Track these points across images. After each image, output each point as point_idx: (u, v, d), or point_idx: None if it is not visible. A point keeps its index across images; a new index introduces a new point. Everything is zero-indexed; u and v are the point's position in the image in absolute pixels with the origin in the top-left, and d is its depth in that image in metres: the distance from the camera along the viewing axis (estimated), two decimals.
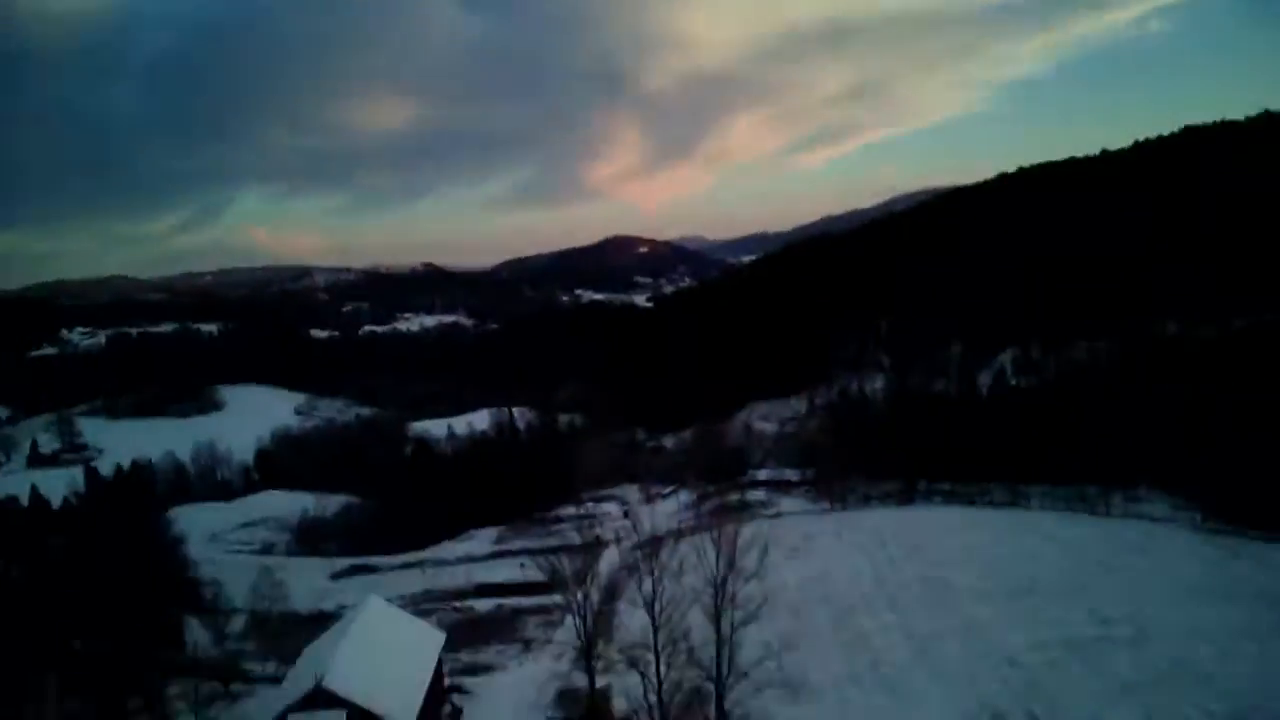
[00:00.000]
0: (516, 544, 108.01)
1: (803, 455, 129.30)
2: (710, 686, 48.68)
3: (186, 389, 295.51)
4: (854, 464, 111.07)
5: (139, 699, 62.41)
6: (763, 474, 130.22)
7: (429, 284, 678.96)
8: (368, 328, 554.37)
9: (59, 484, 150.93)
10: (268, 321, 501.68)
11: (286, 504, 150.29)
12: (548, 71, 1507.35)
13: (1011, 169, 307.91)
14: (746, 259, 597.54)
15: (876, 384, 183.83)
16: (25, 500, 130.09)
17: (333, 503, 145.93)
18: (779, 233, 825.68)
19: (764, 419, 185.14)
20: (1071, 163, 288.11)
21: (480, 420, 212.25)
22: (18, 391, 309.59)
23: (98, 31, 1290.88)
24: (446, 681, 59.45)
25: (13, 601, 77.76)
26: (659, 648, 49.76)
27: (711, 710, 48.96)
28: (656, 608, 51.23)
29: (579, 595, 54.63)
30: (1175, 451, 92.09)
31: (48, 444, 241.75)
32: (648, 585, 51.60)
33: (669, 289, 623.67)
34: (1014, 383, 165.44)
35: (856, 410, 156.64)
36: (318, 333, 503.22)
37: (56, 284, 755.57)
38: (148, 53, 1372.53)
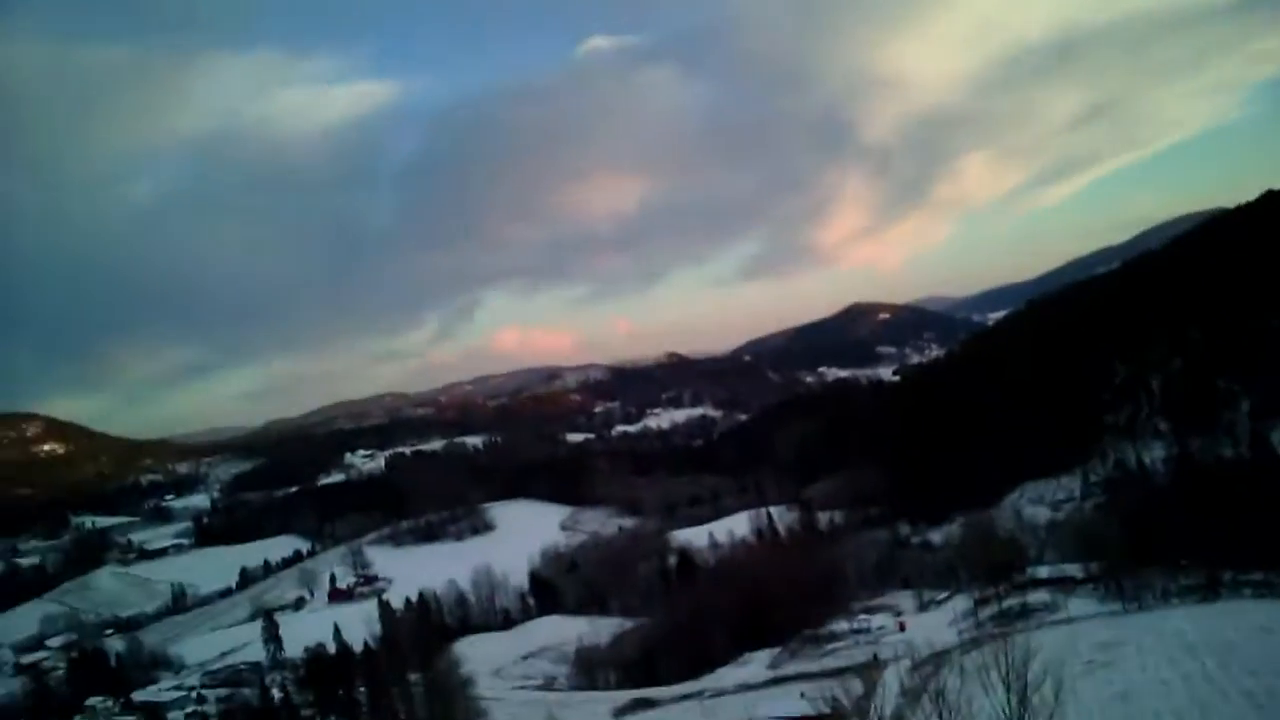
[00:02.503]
0: (793, 668, 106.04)
1: (1083, 546, 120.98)
2: None
3: (460, 511, 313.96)
4: (1144, 554, 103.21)
5: None
6: (1043, 571, 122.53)
7: (673, 375, 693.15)
8: (619, 428, 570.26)
9: (357, 620, 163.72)
10: (526, 430, 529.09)
11: (562, 630, 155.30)
12: (769, 132, 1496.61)
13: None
14: (993, 316, 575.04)
15: (1155, 452, 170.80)
16: (331, 644, 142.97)
17: (605, 626, 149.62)
18: (1024, 282, 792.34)
19: (1034, 502, 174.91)
20: None
21: (739, 525, 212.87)
22: (317, 519, 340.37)
23: (352, 139, 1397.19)
24: None
25: None
26: None
27: None
28: None
29: None
30: None
31: (343, 577, 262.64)
32: None
33: (915, 359, 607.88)
34: None
35: (1137, 488, 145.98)
36: (574, 437, 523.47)
37: (337, 405, 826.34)
38: (395, 158, 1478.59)
